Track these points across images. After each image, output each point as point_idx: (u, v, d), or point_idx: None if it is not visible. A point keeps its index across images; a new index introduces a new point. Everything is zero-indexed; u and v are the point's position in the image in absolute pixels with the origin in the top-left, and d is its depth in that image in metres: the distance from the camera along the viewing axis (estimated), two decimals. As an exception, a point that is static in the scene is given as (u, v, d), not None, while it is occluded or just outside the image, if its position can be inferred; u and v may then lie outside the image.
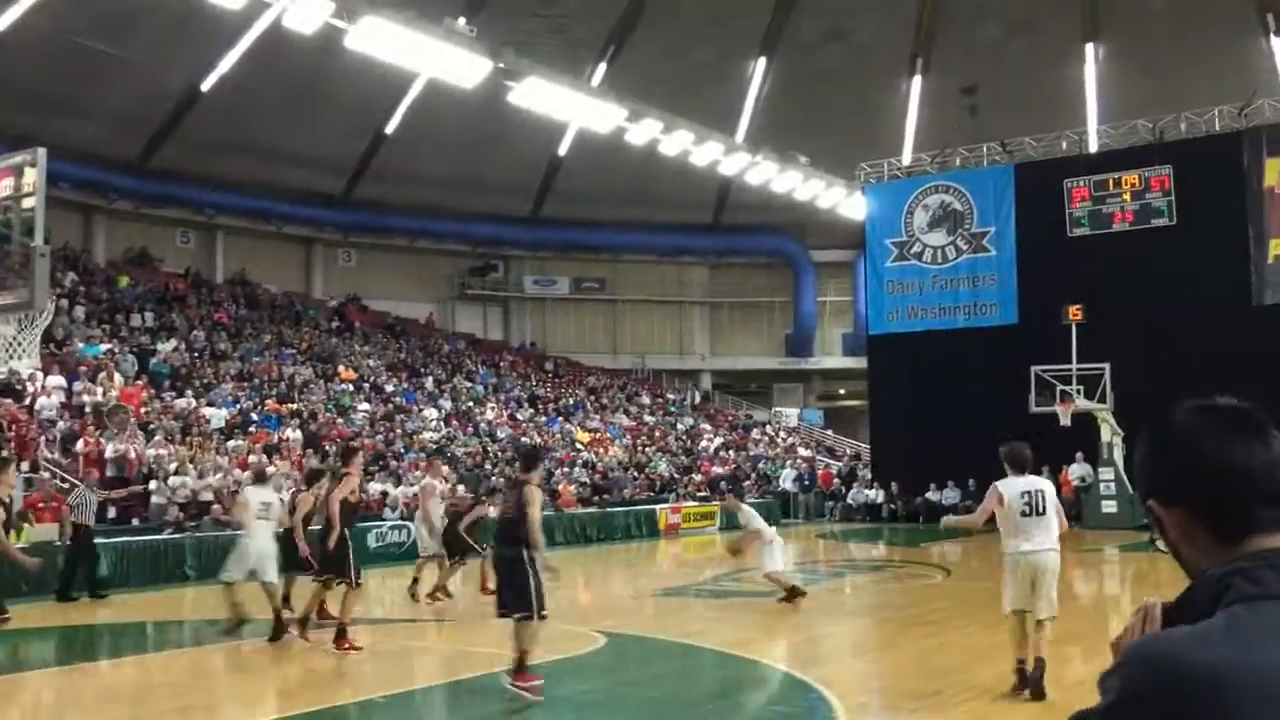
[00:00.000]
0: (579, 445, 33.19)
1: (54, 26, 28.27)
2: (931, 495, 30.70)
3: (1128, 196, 29.06)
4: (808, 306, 45.78)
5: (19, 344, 14.66)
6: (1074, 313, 26.45)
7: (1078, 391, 25.95)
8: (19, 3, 27.85)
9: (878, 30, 36.48)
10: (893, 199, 33.04)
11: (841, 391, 47.68)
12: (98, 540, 16.53)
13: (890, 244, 32.71)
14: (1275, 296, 27.12)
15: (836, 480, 34.87)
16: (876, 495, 32.22)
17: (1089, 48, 35.74)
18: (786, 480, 34.27)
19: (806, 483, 34.12)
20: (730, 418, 43.60)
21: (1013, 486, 8.32)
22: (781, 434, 41.92)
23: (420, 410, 30.95)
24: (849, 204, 36.18)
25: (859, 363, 37.39)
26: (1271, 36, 33.36)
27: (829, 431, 45.31)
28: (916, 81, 38.54)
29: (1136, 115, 30.18)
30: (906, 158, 35.85)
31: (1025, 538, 8.25)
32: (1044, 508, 8.28)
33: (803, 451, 39.19)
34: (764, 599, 14.55)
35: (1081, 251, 28.83)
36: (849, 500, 32.91)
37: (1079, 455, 27.66)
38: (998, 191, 31.18)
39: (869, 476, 33.31)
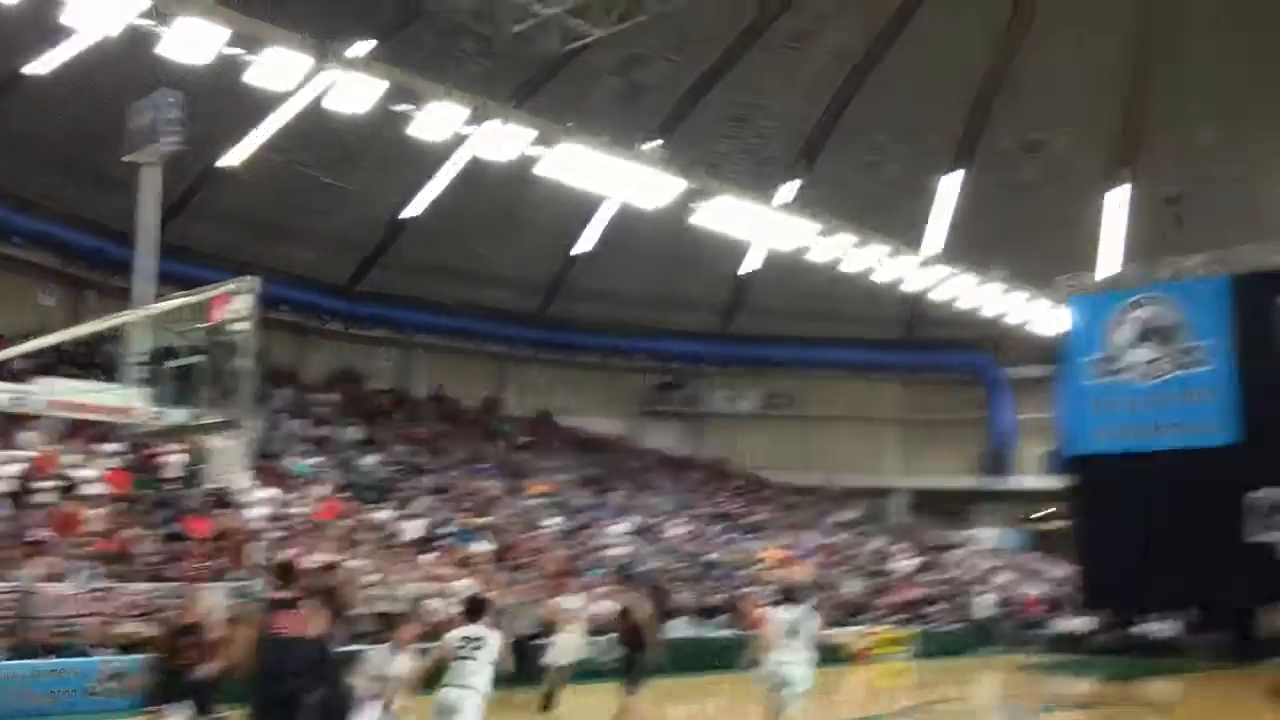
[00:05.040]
0: (766, 563, 32.58)
1: (283, 159, 30.54)
2: (1146, 626, 28.74)
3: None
4: (1004, 424, 44.16)
5: (232, 458, 15.58)
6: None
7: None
8: (253, 139, 30.21)
9: (1077, 140, 35.61)
10: (1094, 313, 31.75)
11: (1044, 513, 45.45)
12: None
13: (1093, 360, 31.34)
14: None
15: (1040, 607, 33.05)
16: (1084, 625, 30.32)
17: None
18: (985, 606, 32.66)
19: (1006, 609, 32.43)
20: (925, 539, 42.10)
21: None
22: (979, 557, 40.15)
23: (607, 526, 31.09)
24: (1047, 318, 35.01)
25: (1063, 483, 35.62)
26: None
27: (1031, 555, 43.12)
28: (1119, 191, 37.33)
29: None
30: (1108, 270, 34.52)
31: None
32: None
33: (1002, 576, 37.38)
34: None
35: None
36: (1053, 629, 31.11)
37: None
38: (1211, 304, 29.58)
39: (1076, 604, 31.43)
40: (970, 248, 34.73)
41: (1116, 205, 37.66)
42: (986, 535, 43.37)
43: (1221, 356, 29.03)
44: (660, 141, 26.28)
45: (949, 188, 38.04)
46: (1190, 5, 32.42)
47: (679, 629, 24.78)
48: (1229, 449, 27.82)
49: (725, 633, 25.42)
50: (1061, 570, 35.66)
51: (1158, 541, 27.82)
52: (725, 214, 28.94)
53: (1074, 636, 30.33)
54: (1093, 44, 33.56)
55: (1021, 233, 36.33)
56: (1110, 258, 36.86)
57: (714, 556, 31.53)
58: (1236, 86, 32.87)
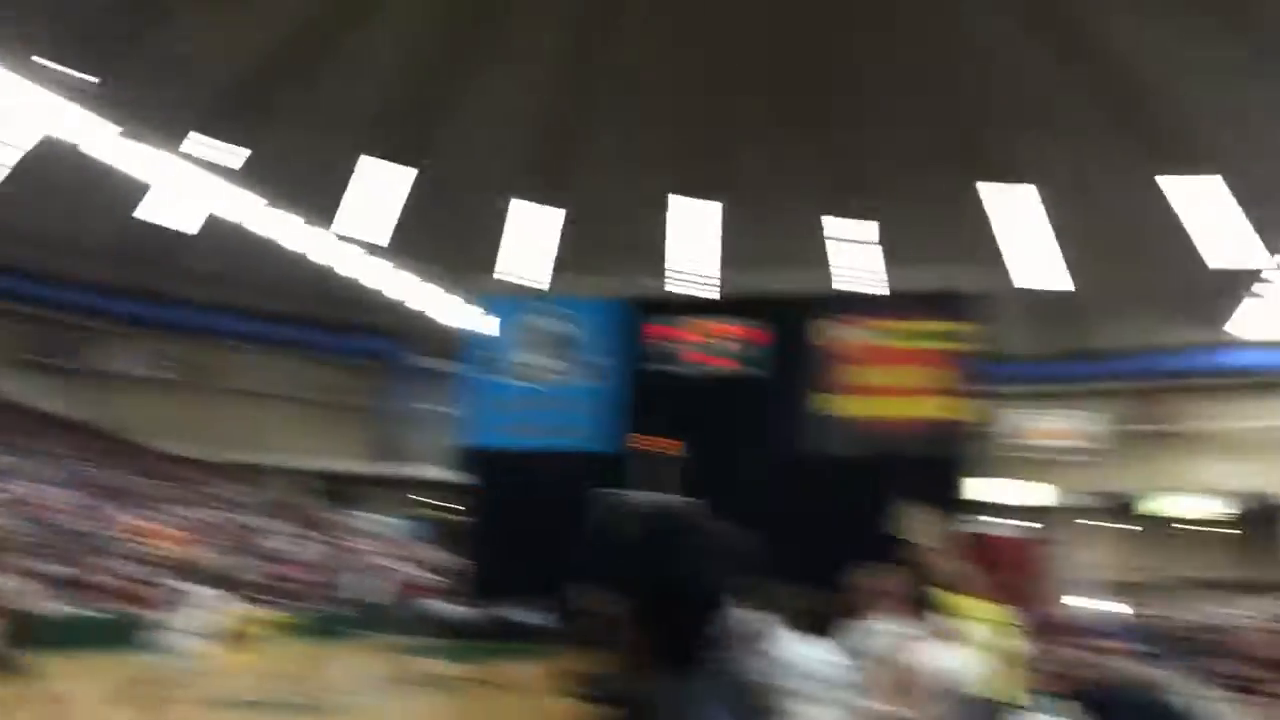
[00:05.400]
0: (136, 536, 30.52)
1: None
2: (514, 613, 30.94)
3: (717, 342, 31.62)
4: (405, 412, 45.35)
5: None
6: (652, 443, 28.25)
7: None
8: None
9: (500, 149, 37.64)
10: (504, 316, 33.81)
11: (434, 501, 47.31)
12: None
13: (494, 359, 33.35)
14: (818, 447, 29.99)
15: (423, 592, 34.29)
16: (462, 610, 31.95)
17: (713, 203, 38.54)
18: (370, 589, 33.25)
19: (391, 594, 33.28)
20: (315, 520, 41.90)
21: None
22: (368, 541, 40.78)
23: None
24: (457, 314, 36.60)
25: (459, 474, 37.34)
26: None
27: (421, 542, 44.62)
28: (535, 205, 40.05)
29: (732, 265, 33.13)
30: (519, 277, 36.95)
31: None
32: None
33: (390, 561, 38.28)
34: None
35: (674, 388, 30.84)
36: (433, 614, 32.40)
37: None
38: (602, 321, 32.79)
39: (457, 590, 33.03)
40: (393, 237, 35.39)
41: (534, 218, 40.38)
42: (378, 520, 44.20)
43: (607, 371, 32.30)
44: (96, 79, 23.73)
45: (377, 175, 38.44)
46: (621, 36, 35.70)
47: (42, 604, 22.44)
48: (602, 455, 30.97)
49: (94, 610, 23.48)
50: (450, 558, 37.35)
51: (537, 535, 30.20)
52: (144, 163, 26.89)
53: (451, 621, 31.82)
54: (524, 72, 35.75)
55: (442, 230, 37.68)
56: (527, 267, 39.44)
57: (85, 527, 28.94)
58: (649, 123, 36.82)
